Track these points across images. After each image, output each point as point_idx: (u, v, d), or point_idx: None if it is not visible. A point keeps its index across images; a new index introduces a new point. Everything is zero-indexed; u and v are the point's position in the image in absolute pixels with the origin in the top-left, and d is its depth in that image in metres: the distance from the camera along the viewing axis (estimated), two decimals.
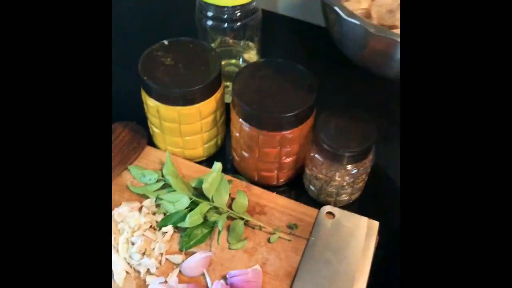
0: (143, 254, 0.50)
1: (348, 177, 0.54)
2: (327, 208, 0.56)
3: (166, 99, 0.54)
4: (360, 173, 0.54)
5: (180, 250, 0.52)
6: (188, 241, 0.52)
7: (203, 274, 0.50)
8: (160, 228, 0.53)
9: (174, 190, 0.55)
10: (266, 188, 0.58)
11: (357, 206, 0.58)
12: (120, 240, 0.51)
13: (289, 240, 0.53)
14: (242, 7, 0.60)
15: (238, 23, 0.62)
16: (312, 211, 0.56)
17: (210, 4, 0.59)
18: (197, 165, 0.60)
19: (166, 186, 0.57)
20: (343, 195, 0.57)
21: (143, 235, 0.51)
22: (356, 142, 0.52)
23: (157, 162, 0.60)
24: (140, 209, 0.54)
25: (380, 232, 0.54)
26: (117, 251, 0.50)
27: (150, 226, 0.53)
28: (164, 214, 0.54)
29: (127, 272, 0.50)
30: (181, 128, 0.57)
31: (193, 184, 0.56)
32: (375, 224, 0.54)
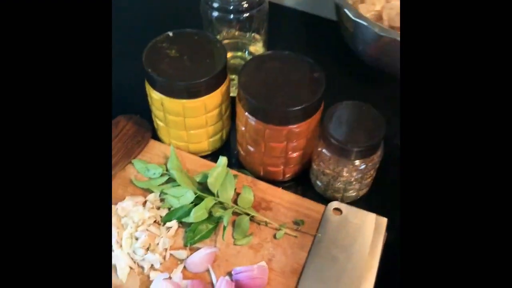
0: (147, 249, 0.50)
1: (356, 172, 0.53)
2: (334, 204, 0.55)
3: (170, 91, 0.53)
4: (368, 169, 0.53)
5: (185, 246, 0.51)
6: (192, 236, 0.51)
7: (207, 270, 0.49)
8: (164, 223, 0.52)
9: (179, 185, 0.54)
10: (272, 183, 0.57)
11: (365, 202, 0.57)
12: (123, 235, 0.50)
13: (296, 237, 0.52)
14: None
15: (244, 14, 0.60)
16: (319, 207, 0.55)
17: None
18: (202, 159, 0.59)
19: (171, 180, 0.56)
20: (351, 191, 0.56)
21: (147, 230, 0.51)
22: (364, 137, 0.50)
23: (162, 156, 0.59)
24: (144, 203, 0.54)
25: (389, 229, 0.53)
26: (121, 246, 0.50)
27: (154, 221, 0.52)
28: (169, 209, 0.53)
29: (131, 268, 0.49)
30: (186, 121, 0.56)
31: (198, 179, 0.56)
32: (383, 220, 0.53)
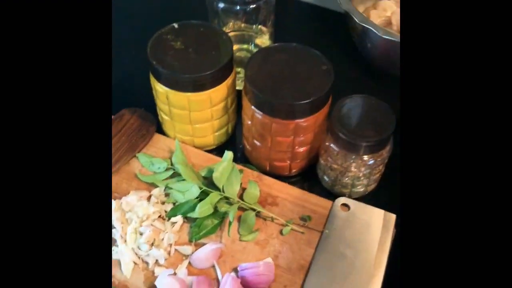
0: (152, 244, 0.49)
1: (364, 168, 0.52)
2: (341, 199, 0.54)
3: (175, 84, 0.52)
4: (377, 164, 0.52)
5: (190, 241, 0.50)
6: (198, 231, 0.50)
7: (213, 266, 0.49)
8: (169, 218, 0.51)
9: (184, 179, 0.53)
10: (278, 178, 0.56)
11: (373, 198, 0.56)
12: (128, 230, 0.49)
13: (302, 233, 0.51)
14: None
15: (251, 6, 0.59)
16: (326, 202, 0.54)
17: None
18: (207, 153, 0.59)
19: (176, 175, 0.55)
20: (359, 187, 0.55)
21: (151, 225, 0.50)
22: (373, 131, 0.49)
23: (166, 150, 0.58)
24: (148, 198, 0.53)
25: (397, 225, 0.52)
26: (125, 241, 0.49)
27: (159, 216, 0.51)
28: (173, 203, 0.53)
29: (135, 263, 0.48)
30: (191, 115, 0.55)
31: (203, 174, 0.55)
32: (392, 217, 0.52)
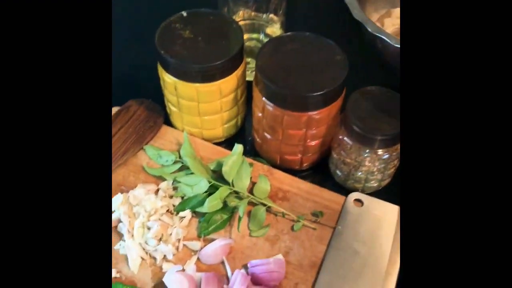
0: (160, 239, 0.48)
1: (378, 162, 0.50)
2: (355, 195, 0.52)
3: (184, 75, 0.50)
4: (392, 159, 0.50)
5: (199, 236, 0.49)
6: (206, 227, 0.49)
7: (222, 262, 0.47)
8: (177, 213, 0.50)
9: (192, 173, 0.51)
10: (288, 172, 0.55)
11: (387, 193, 0.54)
12: (135, 224, 0.48)
13: (314, 229, 0.50)
14: None
15: None
16: (338, 198, 0.52)
17: None
18: (216, 146, 0.57)
19: (184, 168, 0.54)
20: (372, 181, 0.53)
21: (159, 219, 0.49)
22: (389, 125, 0.47)
23: (174, 143, 0.57)
24: (156, 192, 0.52)
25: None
26: (132, 236, 0.48)
27: (167, 210, 0.50)
28: (182, 197, 0.51)
29: (142, 258, 0.47)
30: (200, 106, 0.53)
31: (212, 167, 0.53)
32: None
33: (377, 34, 0.52)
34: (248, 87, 0.56)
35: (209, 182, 0.50)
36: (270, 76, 0.48)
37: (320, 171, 0.57)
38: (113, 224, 0.50)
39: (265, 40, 0.63)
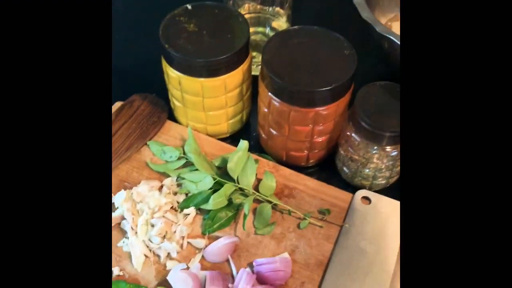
0: (164, 237, 0.47)
1: (387, 159, 0.49)
2: (362, 192, 0.51)
3: (188, 69, 0.49)
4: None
5: (203, 234, 0.48)
6: (211, 224, 0.48)
7: (227, 261, 0.47)
8: (181, 210, 0.49)
9: (197, 169, 0.51)
10: (294, 168, 0.54)
11: (395, 191, 0.53)
12: (138, 221, 0.47)
13: (321, 227, 0.49)
14: None
15: None
16: (345, 195, 0.51)
17: None
18: (221, 142, 0.56)
19: (188, 164, 0.53)
20: (380, 179, 0.52)
21: (163, 216, 0.48)
22: (398, 121, 0.46)
23: (178, 138, 0.56)
24: (160, 188, 0.51)
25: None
26: (136, 233, 0.47)
27: (171, 207, 0.49)
28: (186, 194, 0.50)
29: (146, 256, 0.46)
30: (205, 101, 0.52)
31: (217, 163, 0.52)
32: None
33: (385, 35, 0.51)
34: (253, 82, 0.55)
35: (214, 179, 0.49)
36: (277, 71, 0.47)
37: (326, 168, 0.56)
38: (117, 221, 0.49)
39: (271, 33, 0.62)
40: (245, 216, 0.48)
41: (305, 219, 0.49)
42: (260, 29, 0.63)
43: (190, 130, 0.54)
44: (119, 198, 0.49)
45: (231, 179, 0.50)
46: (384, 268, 0.46)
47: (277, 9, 0.61)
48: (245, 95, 0.55)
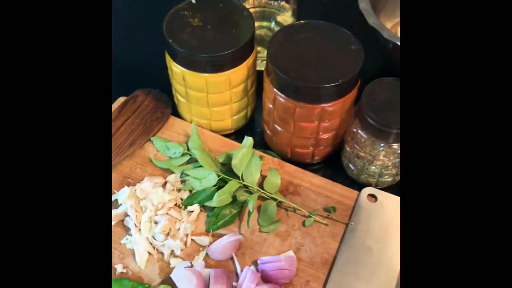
0: (167, 234, 0.47)
1: (393, 156, 0.48)
2: (368, 190, 0.50)
3: (192, 64, 0.49)
4: None
5: (207, 231, 0.48)
6: (215, 221, 0.47)
7: (231, 258, 0.46)
8: (185, 207, 0.49)
9: (201, 166, 0.50)
10: (299, 165, 0.53)
11: None
12: (142, 218, 0.47)
13: (326, 225, 0.48)
14: None
15: None
16: (351, 193, 0.50)
17: None
18: (225, 138, 0.55)
19: (192, 160, 0.52)
20: (386, 176, 0.51)
21: (167, 214, 0.47)
22: None
23: (182, 134, 0.55)
24: (164, 185, 0.50)
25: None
26: (139, 230, 0.46)
27: (175, 204, 0.49)
28: (190, 191, 0.50)
29: (150, 254, 0.46)
30: (209, 97, 0.52)
31: (221, 160, 0.52)
32: None
33: (392, 40, 0.51)
34: (258, 77, 0.54)
35: (218, 176, 0.49)
36: (282, 66, 0.46)
37: (332, 165, 0.55)
38: (120, 218, 0.48)
39: (276, 28, 0.61)
40: (249, 213, 0.48)
41: (310, 217, 0.48)
42: (265, 23, 0.62)
43: (194, 126, 0.53)
44: (122, 195, 0.49)
45: (235, 176, 0.49)
46: (391, 266, 0.45)
47: (283, 3, 0.60)
48: (249, 91, 0.54)
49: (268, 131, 0.55)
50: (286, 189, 0.51)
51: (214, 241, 0.46)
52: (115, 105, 0.57)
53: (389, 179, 0.52)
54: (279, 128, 0.52)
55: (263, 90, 0.52)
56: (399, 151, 0.48)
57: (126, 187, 0.49)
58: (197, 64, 0.48)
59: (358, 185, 0.52)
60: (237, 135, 0.58)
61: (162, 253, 0.46)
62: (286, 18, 0.61)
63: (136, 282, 0.44)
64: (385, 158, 0.48)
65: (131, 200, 0.48)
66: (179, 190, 0.50)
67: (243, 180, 0.49)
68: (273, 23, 0.62)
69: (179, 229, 0.47)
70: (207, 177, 0.49)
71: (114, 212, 0.48)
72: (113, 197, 0.50)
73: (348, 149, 0.51)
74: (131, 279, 0.44)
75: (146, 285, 0.44)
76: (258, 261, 0.45)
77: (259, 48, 0.59)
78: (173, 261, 0.45)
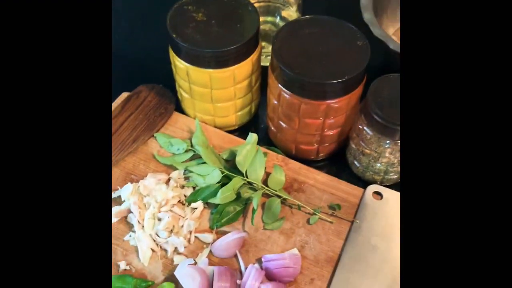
0: (171, 231, 0.46)
1: (399, 153, 0.48)
2: (373, 187, 0.50)
3: (196, 60, 0.48)
4: None
5: (211, 228, 0.47)
6: (219, 218, 0.47)
7: (235, 256, 0.46)
8: (189, 204, 0.48)
9: (204, 162, 0.50)
10: (303, 162, 0.53)
11: None
12: (145, 215, 0.46)
13: (331, 222, 0.48)
14: None
15: None
16: (357, 190, 0.50)
17: None
18: (229, 134, 0.55)
19: (196, 157, 0.52)
20: (392, 173, 0.51)
21: (170, 210, 0.47)
22: None
23: (186, 130, 0.55)
24: (167, 181, 0.50)
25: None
26: (142, 227, 0.46)
27: (178, 201, 0.48)
28: (193, 188, 0.50)
29: (153, 250, 0.46)
30: (213, 93, 0.51)
31: (225, 156, 0.51)
32: None
33: (397, 51, 0.51)
34: (263, 73, 0.54)
35: (222, 172, 0.48)
36: (287, 62, 0.46)
37: (337, 162, 0.55)
38: (123, 214, 0.48)
39: (281, 23, 0.61)
40: (253, 210, 0.47)
41: (315, 214, 0.48)
42: (270, 18, 0.62)
43: (198, 122, 0.53)
44: (125, 191, 0.48)
45: (239, 172, 0.49)
46: (396, 265, 0.45)
47: None
48: (254, 87, 0.54)
49: (272, 128, 0.54)
50: (291, 186, 0.50)
51: (218, 238, 0.46)
52: (118, 101, 0.57)
53: (395, 177, 0.51)
54: (284, 125, 0.51)
55: (267, 86, 0.51)
56: None
57: (129, 183, 0.49)
58: (201, 59, 0.48)
59: (363, 183, 0.52)
60: (241, 131, 0.57)
61: (165, 250, 0.46)
62: (291, 13, 0.61)
63: (140, 279, 0.44)
64: (391, 155, 0.48)
65: (134, 197, 0.47)
66: (182, 186, 0.50)
67: (247, 177, 0.48)
68: (278, 18, 0.61)
69: (182, 226, 0.46)
70: (211, 174, 0.48)
71: (117, 208, 0.48)
72: (116, 194, 0.49)
73: (353, 146, 0.51)
74: (134, 276, 0.44)
75: (150, 282, 0.44)
76: (262, 259, 0.45)
77: (263, 44, 0.59)
78: (177, 258, 0.45)
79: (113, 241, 0.46)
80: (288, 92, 0.47)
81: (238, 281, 0.43)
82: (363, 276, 0.44)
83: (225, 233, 0.46)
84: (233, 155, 0.50)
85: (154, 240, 0.46)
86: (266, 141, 0.57)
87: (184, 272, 0.43)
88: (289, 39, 0.48)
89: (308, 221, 0.48)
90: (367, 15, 0.54)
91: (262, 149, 0.51)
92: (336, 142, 0.53)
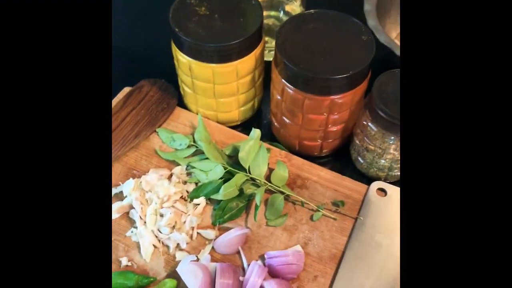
0: (173, 227, 0.46)
1: None
2: (377, 184, 0.49)
3: (199, 54, 0.48)
4: None
5: (213, 225, 0.47)
6: (222, 215, 0.47)
7: (238, 252, 0.45)
8: (191, 200, 0.48)
9: (207, 158, 0.49)
10: (307, 158, 0.52)
11: None
12: (147, 211, 0.46)
13: (335, 219, 0.47)
14: None
15: None
16: (360, 187, 0.49)
17: None
18: (231, 130, 0.55)
19: (198, 152, 0.51)
20: (396, 170, 0.50)
21: (172, 206, 0.47)
22: None
23: (188, 126, 0.54)
24: (169, 177, 0.49)
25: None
26: (144, 223, 0.46)
27: (181, 197, 0.48)
28: (196, 183, 0.49)
29: (155, 247, 0.45)
30: (215, 88, 0.51)
31: (227, 152, 0.51)
32: None
33: (389, 47, 0.51)
34: (266, 68, 0.53)
35: (225, 168, 0.48)
36: (291, 57, 0.45)
37: (341, 158, 0.54)
38: (125, 210, 0.48)
39: (284, 18, 0.60)
40: (256, 207, 0.47)
41: (318, 211, 0.47)
42: (273, 13, 0.61)
43: (200, 117, 0.52)
44: (127, 187, 0.48)
45: (242, 168, 0.48)
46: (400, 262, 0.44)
47: None
48: (257, 82, 0.53)
49: (275, 123, 0.54)
50: (294, 182, 0.50)
51: (220, 234, 0.46)
52: (120, 95, 0.57)
53: (399, 173, 0.51)
54: (287, 120, 0.51)
55: (271, 81, 0.50)
56: None
57: (131, 179, 0.49)
58: (203, 54, 0.47)
59: (367, 179, 0.51)
60: (244, 127, 0.57)
61: (167, 246, 0.46)
62: (295, 7, 0.60)
63: (141, 275, 0.43)
64: (395, 151, 0.47)
65: (136, 192, 0.47)
66: (185, 182, 0.49)
67: (250, 173, 0.48)
68: (282, 12, 0.61)
69: (185, 222, 0.46)
70: (214, 170, 0.48)
71: (119, 204, 0.47)
72: (118, 189, 0.49)
73: (357, 142, 0.50)
74: (136, 272, 0.44)
75: (152, 279, 0.43)
76: (265, 256, 0.44)
77: (267, 38, 0.58)
78: (179, 255, 0.45)
79: (115, 237, 0.46)
80: (292, 87, 0.46)
81: (241, 278, 0.43)
82: (366, 273, 0.44)
83: (227, 229, 0.46)
84: (236, 150, 0.50)
85: (156, 236, 0.46)
86: (269, 136, 0.56)
87: (186, 269, 0.43)
88: (293, 33, 0.47)
89: (311, 218, 0.47)
90: (372, 22, 0.54)
91: (265, 145, 0.51)
92: (340, 138, 0.52)
